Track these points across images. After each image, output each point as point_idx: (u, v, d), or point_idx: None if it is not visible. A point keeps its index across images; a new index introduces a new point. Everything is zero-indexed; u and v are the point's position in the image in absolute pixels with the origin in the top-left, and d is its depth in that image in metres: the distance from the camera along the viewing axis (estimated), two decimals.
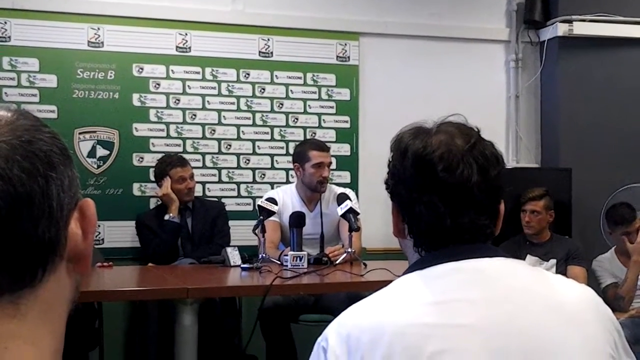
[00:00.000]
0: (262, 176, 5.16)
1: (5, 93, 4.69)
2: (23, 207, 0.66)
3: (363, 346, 1.17)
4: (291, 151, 5.03)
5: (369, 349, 1.16)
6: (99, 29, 4.84)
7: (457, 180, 1.28)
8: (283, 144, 5.19)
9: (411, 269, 1.31)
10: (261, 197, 4.42)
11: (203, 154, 5.04)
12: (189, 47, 5.03)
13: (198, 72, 5.04)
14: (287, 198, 4.41)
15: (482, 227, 1.31)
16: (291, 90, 5.23)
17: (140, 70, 4.93)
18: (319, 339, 1.23)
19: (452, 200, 1.29)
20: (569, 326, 1.22)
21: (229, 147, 5.09)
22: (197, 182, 4.79)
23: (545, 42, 5.66)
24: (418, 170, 1.31)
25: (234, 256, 3.97)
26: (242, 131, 5.12)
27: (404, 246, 1.39)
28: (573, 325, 1.23)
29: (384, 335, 1.17)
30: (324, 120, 5.29)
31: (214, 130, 5.06)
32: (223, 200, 4.98)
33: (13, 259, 0.66)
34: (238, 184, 5.12)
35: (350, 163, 5.32)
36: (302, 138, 5.09)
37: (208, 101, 5.06)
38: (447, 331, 1.17)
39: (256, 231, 3.99)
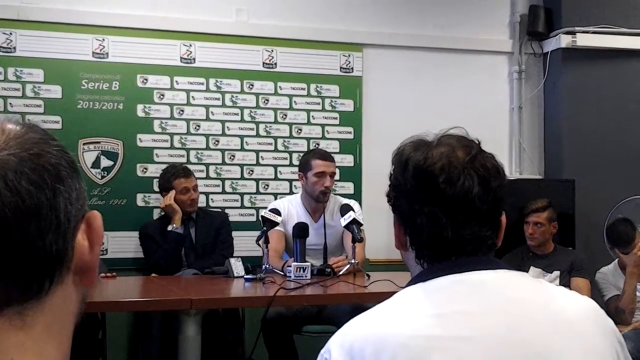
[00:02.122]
0: (266, 187, 5.17)
1: (10, 103, 4.71)
2: (31, 219, 0.67)
3: (366, 358, 1.17)
4: (295, 162, 5.05)
5: None
6: (103, 40, 4.86)
7: (458, 192, 1.29)
8: (287, 155, 5.20)
9: (413, 281, 1.31)
10: (265, 207, 4.42)
11: (207, 165, 5.05)
12: (193, 58, 5.05)
13: (202, 83, 5.06)
14: (292, 208, 4.41)
15: (483, 239, 1.31)
16: (295, 101, 5.24)
17: (145, 81, 4.95)
18: (322, 350, 1.24)
19: (454, 211, 1.29)
20: (571, 337, 1.23)
21: (232, 157, 5.10)
22: (201, 193, 4.79)
23: (549, 54, 5.67)
24: (419, 182, 1.31)
25: (237, 267, 3.97)
26: (246, 142, 5.13)
27: (406, 258, 1.40)
28: (574, 336, 1.23)
29: (387, 347, 1.17)
30: (327, 131, 5.30)
31: (217, 141, 5.07)
32: (226, 210, 4.98)
33: (20, 271, 0.67)
34: (242, 194, 5.13)
35: (353, 174, 5.32)
36: (305, 149, 5.10)
37: (212, 112, 5.07)
38: (450, 343, 1.17)
39: (260, 242, 4.00)
